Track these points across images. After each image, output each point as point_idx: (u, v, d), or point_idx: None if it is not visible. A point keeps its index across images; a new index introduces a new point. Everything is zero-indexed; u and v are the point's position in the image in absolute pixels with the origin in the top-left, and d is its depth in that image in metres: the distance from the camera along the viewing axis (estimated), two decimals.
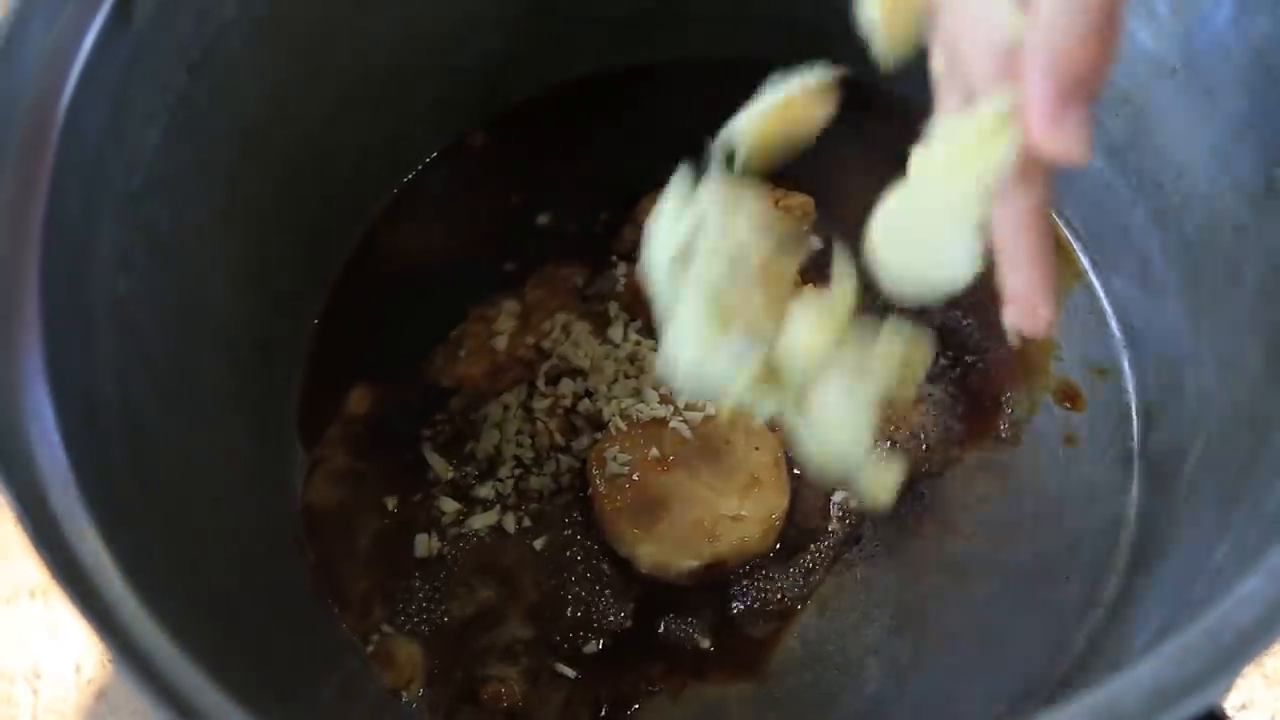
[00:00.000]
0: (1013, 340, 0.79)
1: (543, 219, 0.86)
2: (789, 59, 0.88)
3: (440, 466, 0.77)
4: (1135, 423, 0.78)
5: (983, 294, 0.82)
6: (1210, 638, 0.42)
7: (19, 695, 0.84)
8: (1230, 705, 0.76)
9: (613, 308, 0.81)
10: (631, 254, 0.83)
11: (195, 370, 0.67)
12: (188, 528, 0.60)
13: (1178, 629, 0.44)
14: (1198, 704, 0.41)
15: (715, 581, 0.74)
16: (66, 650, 0.85)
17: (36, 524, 0.46)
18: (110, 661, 0.84)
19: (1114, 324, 0.81)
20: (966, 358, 0.80)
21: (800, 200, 0.84)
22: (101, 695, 0.84)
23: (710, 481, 0.74)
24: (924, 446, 0.77)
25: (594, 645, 0.73)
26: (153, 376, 0.62)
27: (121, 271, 0.60)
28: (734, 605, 0.74)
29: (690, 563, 0.72)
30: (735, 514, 0.73)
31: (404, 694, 0.72)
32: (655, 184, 0.84)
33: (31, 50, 0.55)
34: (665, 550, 0.73)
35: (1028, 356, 0.80)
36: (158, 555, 0.54)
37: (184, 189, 0.65)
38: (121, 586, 0.47)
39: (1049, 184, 0.47)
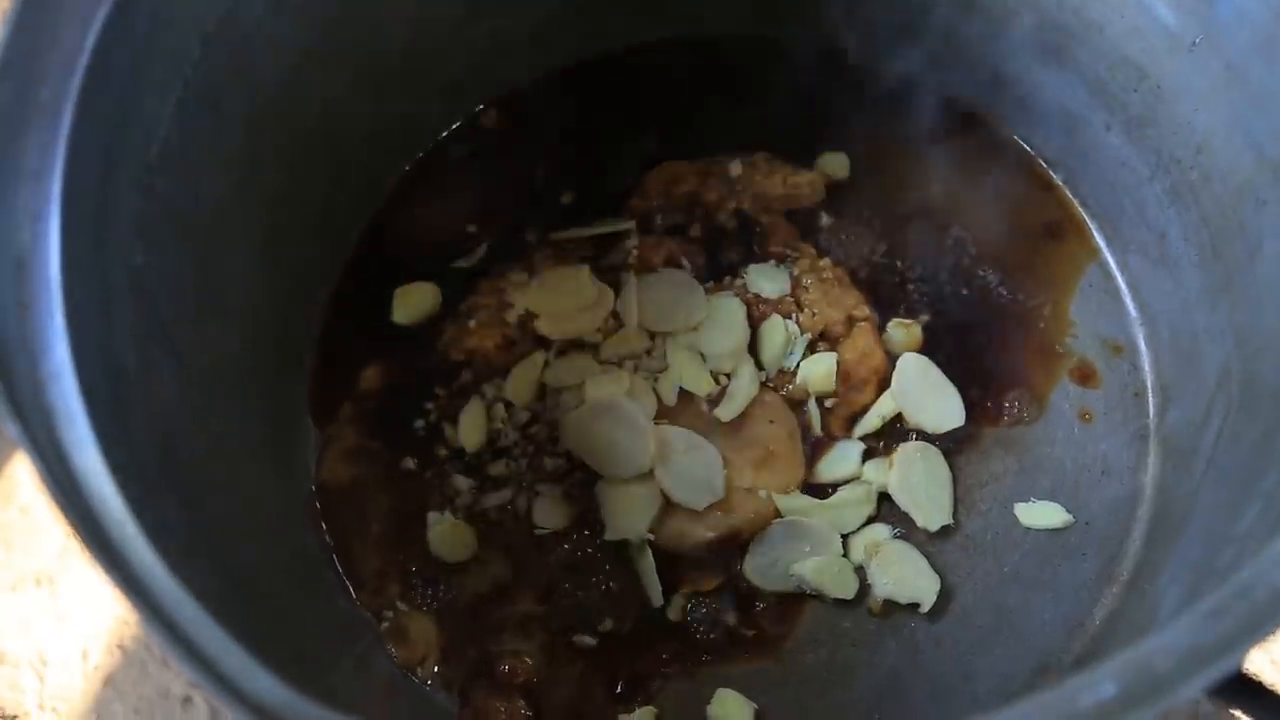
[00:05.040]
0: None
1: (554, 193, 0.86)
2: (802, 40, 0.89)
3: (454, 443, 0.77)
4: (1151, 399, 0.78)
5: (995, 277, 0.82)
6: (1244, 597, 0.42)
7: (25, 682, 0.84)
8: None
9: (624, 278, 0.80)
10: (641, 225, 0.83)
11: (212, 344, 0.67)
12: (206, 499, 0.60)
13: (1207, 594, 0.43)
14: (1231, 663, 0.41)
15: (730, 552, 0.74)
16: (73, 637, 0.85)
17: (59, 482, 0.46)
18: (120, 640, 0.84)
19: (1129, 301, 0.81)
20: (982, 337, 0.80)
21: (809, 178, 0.84)
22: (108, 682, 0.84)
23: (726, 454, 0.74)
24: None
25: (609, 623, 0.72)
26: (171, 348, 0.61)
27: (139, 241, 0.59)
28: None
29: (706, 534, 0.73)
30: (750, 486, 0.73)
31: (419, 670, 0.72)
32: (664, 157, 0.85)
33: (48, 17, 0.54)
34: (681, 522, 0.73)
35: (1043, 335, 0.80)
36: (178, 520, 0.54)
37: (200, 161, 0.65)
38: (144, 546, 0.47)
39: None
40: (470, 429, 0.77)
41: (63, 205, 0.52)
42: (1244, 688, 0.46)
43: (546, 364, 0.78)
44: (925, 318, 0.80)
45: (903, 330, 0.79)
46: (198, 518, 0.58)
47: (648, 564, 0.73)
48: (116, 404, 0.53)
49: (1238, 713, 0.78)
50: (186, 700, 0.84)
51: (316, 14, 0.72)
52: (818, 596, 0.73)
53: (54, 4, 0.55)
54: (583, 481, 0.75)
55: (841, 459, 0.76)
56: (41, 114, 0.53)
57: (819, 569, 0.72)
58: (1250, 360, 0.65)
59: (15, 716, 0.83)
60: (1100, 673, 0.41)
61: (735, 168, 0.84)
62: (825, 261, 0.81)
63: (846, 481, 0.76)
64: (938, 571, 0.73)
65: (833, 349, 0.78)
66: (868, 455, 0.76)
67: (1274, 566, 0.43)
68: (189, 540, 0.54)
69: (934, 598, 0.72)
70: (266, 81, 0.70)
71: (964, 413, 0.76)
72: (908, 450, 0.75)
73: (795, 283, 0.80)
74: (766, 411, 0.76)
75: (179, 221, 0.63)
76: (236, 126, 0.69)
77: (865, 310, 0.79)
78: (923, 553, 0.74)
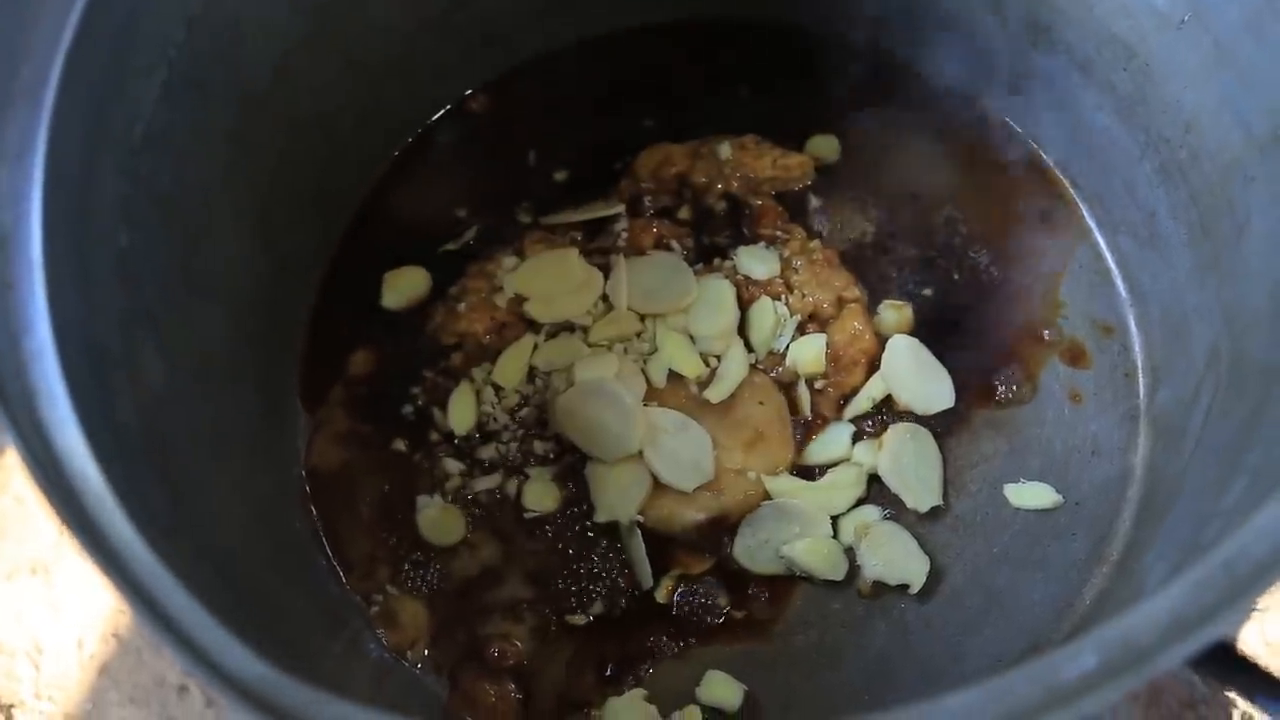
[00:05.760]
0: None
1: (544, 177, 0.86)
2: (792, 23, 0.88)
3: (444, 426, 0.77)
4: (1141, 379, 0.77)
5: (985, 258, 0.82)
6: (1226, 569, 0.42)
7: (21, 670, 0.84)
8: None
9: (613, 261, 0.80)
10: (630, 207, 0.83)
11: (198, 327, 0.67)
12: (192, 481, 0.60)
13: (1191, 566, 0.43)
14: (1213, 634, 0.41)
15: (720, 534, 0.73)
16: (68, 626, 0.85)
17: (39, 461, 0.46)
18: (115, 628, 0.84)
19: (1120, 282, 0.80)
20: (972, 318, 0.80)
21: (798, 160, 0.84)
22: (104, 670, 0.84)
23: (715, 436, 0.74)
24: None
25: (598, 605, 0.72)
26: (156, 332, 0.61)
27: (123, 224, 0.59)
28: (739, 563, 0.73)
29: (695, 516, 0.73)
30: (739, 468, 0.73)
31: (409, 653, 0.72)
32: (652, 139, 0.85)
33: None
34: (670, 504, 0.73)
35: (1034, 316, 0.80)
36: (162, 503, 0.54)
37: (185, 145, 0.65)
38: (126, 527, 0.47)
39: None
40: (460, 412, 0.76)
41: (45, 186, 0.52)
42: (1236, 665, 0.46)
43: (536, 347, 0.78)
44: (916, 299, 0.80)
45: (894, 312, 0.79)
46: (183, 500, 0.57)
47: (637, 546, 0.72)
48: (99, 385, 0.53)
49: (1232, 694, 0.78)
50: (182, 689, 0.84)
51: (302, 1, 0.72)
52: (807, 578, 0.73)
53: None
54: (572, 464, 0.75)
55: (831, 441, 0.76)
56: (23, 94, 0.53)
57: (808, 550, 0.72)
58: (1238, 338, 0.65)
59: (11, 705, 0.83)
60: (1082, 644, 0.41)
61: (725, 150, 0.83)
62: (815, 243, 0.81)
63: (836, 463, 0.75)
64: (927, 553, 0.73)
65: (822, 330, 0.78)
66: (858, 437, 0.76)
67: (1257, 539, 0.43)
68: (173, 522, 0.54)
69: (923, 579, 0.72)
70: (253, 65, 0.70)
71: (954, 394, 0.76)
72: (898, 432, 0.75)
73: (785, 264, 0.80)
74: (756, 393, 0.76)
75: (164, 205, 0.63)
76: (223, 110, 0.68)
77: (855, 291, 0.79)
78: (912, 534, 0.74)
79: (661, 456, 0.73)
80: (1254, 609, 0.80)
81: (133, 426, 0.55)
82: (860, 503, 0.75)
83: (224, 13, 0.66)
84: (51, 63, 0.54)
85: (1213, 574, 0.42)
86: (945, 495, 0.75)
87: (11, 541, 0.88)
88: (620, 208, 0.82)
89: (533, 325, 0.78)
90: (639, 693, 0.70)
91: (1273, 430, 0.55)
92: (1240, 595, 0.42)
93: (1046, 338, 0.79)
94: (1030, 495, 0.75)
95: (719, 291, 0.78)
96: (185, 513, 0.57)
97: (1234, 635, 0.79)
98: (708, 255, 0.81)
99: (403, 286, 0.81)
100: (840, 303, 0.78)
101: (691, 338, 0.77)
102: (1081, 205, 0.83)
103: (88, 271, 0.55)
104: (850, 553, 0.73)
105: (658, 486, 0.73)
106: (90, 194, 0.56)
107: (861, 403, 0.76)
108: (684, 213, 0.83)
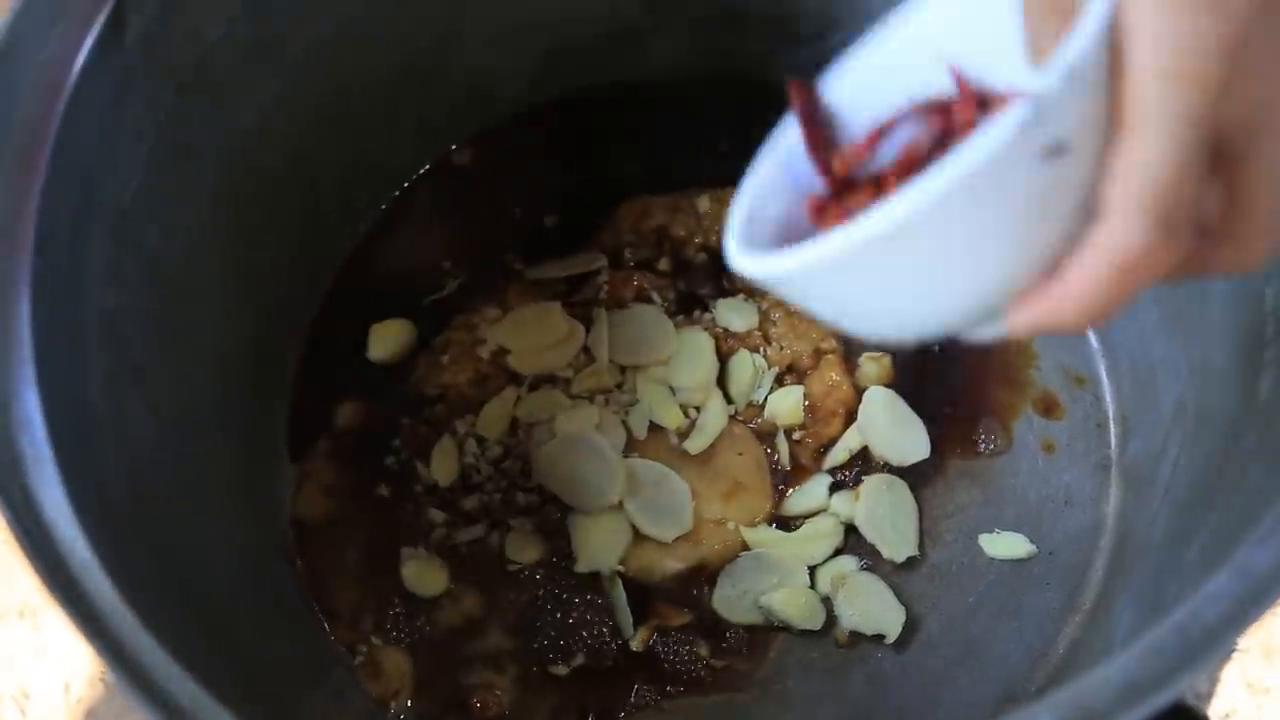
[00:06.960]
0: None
1: (528, 230, 0.87)
2: (770, 79, 0.90)
3: (428, 478, 0.78)
4: (1113, 430, 0.79)
5: None
6: (1179, 634, 0.43)
7: (7, 716, 0.84)
8: (1214, 713, 0.77)
9: (595, 313, 0.81)
10: (611, 259, 0.84)
11: (185, 384, 0.68)
12: (177, 538, 0.61)
13: (1149, 628, 0.45)
14: (1165, 699, 0.42)
15: (699, 584, 0.75)
16: (55, 670, 0.85)
17: (27, 530, 0.47)
18: (103, 672, 0.84)
19: (1091, 333, 0.82)
20: (948, 369, 0.81)
21: None
22: (91, 714, 0.84)
23: (695, 486, 0.75)
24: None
25: (580, 656, 0.73)
26: (143, 389, 0.62)
27: (111, 286, 0.60)
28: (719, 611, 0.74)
29: (675, 566, 0.74)
30: (718, 518, 0.75)
31: (392, 704, 0.73)
32: (636, 191, 0.86)
33: (25, 67, 0.56)
34: (650, 554, 0.74)
35: (1008, 367, 0.81)
36: (147, 564, 0.55)
37: (174, 205, 0.66)
38: (111, 593, 0.48)
39: None
40: (443, 464, 0.77)
41: (34, 255, 0.54)
42: None
43: (518, 399, 0.79)
44: (894, 350, 0.81)
45: (874, 364, 0.81)
46: (167, 554, 0.58)
47: (619, 596, 0.74)
48: (86, 447, 0.54)
49: None
50: None
51: (289, 60, 0.73)
52: (785, 628, 0.74)
53: (31, 55, 0.56)
54: (554, 515, 0.76)
55: (809, 491, 0.77)
56: (12, 168, 0.54)
57: (786, 601, 0.73)
58: (1202, 392, 0.67)
59: None
60: (1038, 708, 0.42)
61: (704, 203, 0.85)
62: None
63: (814, 514, 0.77)
64: (904, 602, 0.74)
65: (800, 382, 0.79)
66: (835, 487, 0.77)
67: (1208, 603, 0.44)
68: (156, 578, 0.55)
69: (899, 629, 0.73)
70: (240, 126, 0.71)
71: (929, 446, 0.78)
72: (874, 483, 0.76)
73: (763, 317, 0.81)
74: (735, 444, 0.77)
75: (152, 265, 0.64)
76: (211, 170, 0.70)
77: (832, 343, 0.80)
78: (889, 584, 0.75)
79: (641, 507, 0.74)
80: (1234, 649, 0.81)
81: (118, 486, 0.56)
82: (838, 553, 0.76)
83: (211, 78, 0.67)
84: (44, 137, 0.55)
85: (1167, 638, 0.44)
86: (921, 545, 0.76)
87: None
88: (602, 261, 0.84)
89: (515, 377, 0.80)
90: None
91: (1232, 487, 0.56)
92: (1193, 660, 0.43)
93: (1021, 388, 0.81)
94: (1005, 545, 0.76)
95: (698, 344, 0.79)
96: (170, 568, 0.58)
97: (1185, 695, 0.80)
98: (688, 306, 0.82)
99: (388, 339, 0.83)
100: (818, 354, 0.80)
101: (671, 389, 0.79)
102: None
103: (76, 335, 0.57)
104: (828, 602, 0.74)
105: (638, 537, 0.74)
106: (79, 259, 0.58)
107: (839, 454, 0.78)
108: (664, 264, 0.84)
